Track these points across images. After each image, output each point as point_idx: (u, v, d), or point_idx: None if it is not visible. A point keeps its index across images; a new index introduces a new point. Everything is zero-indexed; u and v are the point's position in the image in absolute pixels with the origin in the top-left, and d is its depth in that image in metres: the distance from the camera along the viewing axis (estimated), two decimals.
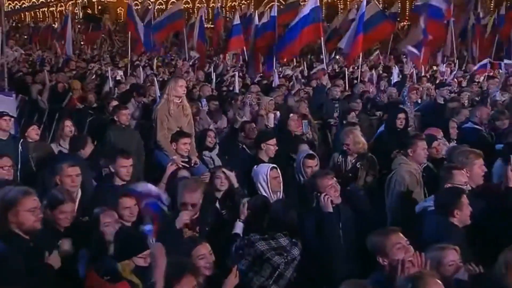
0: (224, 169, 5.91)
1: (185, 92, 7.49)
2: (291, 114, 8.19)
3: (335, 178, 5.19)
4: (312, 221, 4.96)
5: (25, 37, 30.59)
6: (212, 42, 21.79)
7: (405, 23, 29.14)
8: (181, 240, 4.71)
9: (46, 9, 47.89)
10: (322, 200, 4.93)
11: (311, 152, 6.49)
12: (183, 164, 6.86)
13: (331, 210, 4.90)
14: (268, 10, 15.26)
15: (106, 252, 4.18)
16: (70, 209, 4.53)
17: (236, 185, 5.96)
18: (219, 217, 5.40)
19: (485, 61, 14.63)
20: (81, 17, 37.46)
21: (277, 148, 6.69)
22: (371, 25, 13.26)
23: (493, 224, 4.61)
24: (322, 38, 13.33)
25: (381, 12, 13.81)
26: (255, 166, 6.01)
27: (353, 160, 6.68)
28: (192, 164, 7.04)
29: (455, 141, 7.59)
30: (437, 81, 13.41)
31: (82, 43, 24.83)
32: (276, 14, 13.42)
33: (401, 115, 7.93)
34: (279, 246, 4.66)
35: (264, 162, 6.37)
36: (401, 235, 3.81)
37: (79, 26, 26.71)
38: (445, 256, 3.88)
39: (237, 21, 16.50)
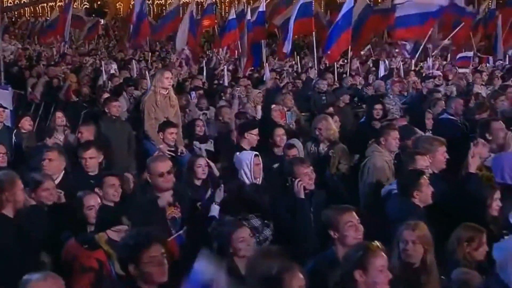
0: (206, 159, 6.21)
1: (171, 83, 7.82)
2: (274, 105, 8.50)
3: (311, 167, 5.49)
4: (286, 204, 5.27)
5: (24, 31, 30.87)
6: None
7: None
8: (165, 218, 5.02)
9: (45, 4, 48.08)
10: (295, 186, 5.23)
11: (290, 142, 6.80)
12: (170, 153, 7.21)
13: (302, 196, 5.21)
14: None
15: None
16: (51, 186, 4.88)
17: (217, 174, 6.27)
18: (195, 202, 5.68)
19: (468, 53, 14.91)
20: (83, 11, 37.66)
21: (259, 137, 7.00)
22: (362, 20, 13.59)
23: (452, 205, 4.93)
24: (313, 33, 13.60)
25: (368, 7, 14.09)
26: (237, 153, 6.30)
27: (325, 148, 6.99)
28: (179, 153, 7.38)
29: (430, 132, 7.90)
30: (424, 75, 13.69)
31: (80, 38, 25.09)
32: (264, 9, 13.70)
33: (378, 106, 8.24)
34: (251, 227, 4.93)
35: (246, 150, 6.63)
36: (355, 214, 4.10)
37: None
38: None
39: (232, 16, 16.81)
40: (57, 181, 5.64)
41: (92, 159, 6.10)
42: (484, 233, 4.16)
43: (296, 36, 14.41)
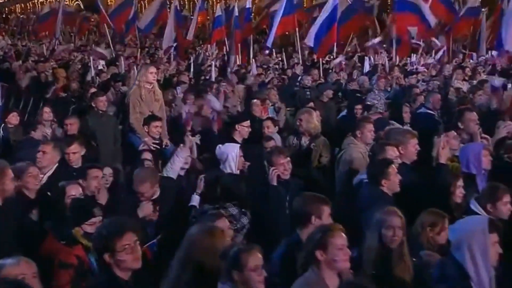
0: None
1: (155, 78, 8.01)
2: (254, 100, 8.72)
3: (288, 158, 5.71)
4: (262, 191, 5.50)
5: (14, 28, 30.93)
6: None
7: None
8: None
9: (36, 0, 48.03)
10: (270, 173, 5.47)
11: (269, 134, 7.01)
12: (155, 145, 7.42)
13: (275, 183, 5.44)
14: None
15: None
16: (36, 172, 5.09)
17: (199, 165, 6.46)
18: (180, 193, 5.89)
19: (443, 48, 15.23)
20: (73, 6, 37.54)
21: (250, 130, 7.20)
22: (346, 17, 13.83)
23: (421, 193, 5.16)
24: (296, 30, 13.82)
25: (353, 4, 14.35)
26: (220, 145, 6.49)
27: (307, 142, 7.20)
28: (163, 146, 7.59)
29: (408, 125, 8.14)
30: (408, 70, 13.95)
31: (70, 33, 25.15)
32: (250, 6, 13.89)
33: (358, 106, 8.56)
34: (229, 215, 5.15)
35: (238, 142, 6.80)
36: (328, 207, 4.31)
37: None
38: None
39: (219, 12, 16.99)
40: (50, 173, 5.88)
41: (75, 154, 6.31)
42: (446, 218, 4.37)
43: (280, 33, 14.58)
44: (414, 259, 4.13)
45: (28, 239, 4.56)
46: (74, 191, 5.02)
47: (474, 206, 4.67)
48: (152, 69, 7.93)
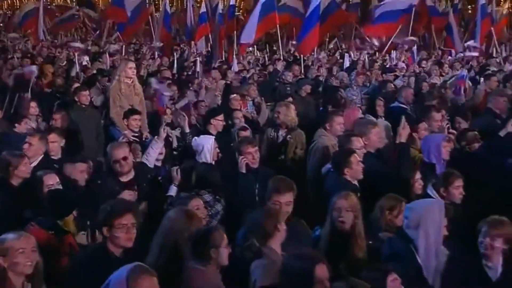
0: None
1: (135, 73, 8.27)
2: (233, 95, 9.00)
3: (256, 148, 6.00)
4: (234, 179, 5.78)
5: (1, 24, 30.90)
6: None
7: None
8: None
9: None
10: (239, 162, 5.77)
11: (244, 125, 7.30)
12: (134, 138, 7.66)
13: (244, 171, 5.74)
14: None
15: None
16: (27, 161, 5.41)
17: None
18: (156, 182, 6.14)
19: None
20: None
21: (224, 123, 7.48)
22: (327, 15, 14.12)
23: (383, 180, 5.48)
24: (278, 26, 14.09)
25: (335, 2, 14.65)
26: (195, 137, 6.77)
27: (284, 134, 7.49)
28: (143, 139, 7.83)
29: (382, 118, 8.45)
30: (387, 66, 14.28)
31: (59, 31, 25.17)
32: (235, 3, 14.12)
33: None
34: (204, 202, 5.44)
35: (212, 135, 7.08)
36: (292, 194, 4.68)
37: (57, 15, 26.99)
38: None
39: (203, 9, 17.22)
40: (35, 163, 6.03)
41: (54, 143, 6.51)
42: (404, 202, 4.65)
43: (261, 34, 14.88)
44: (370, 242, 4.42)
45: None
46: (51, 180, 5.19)
47: (431, 191, 4.98)
48: (131, 65, 8.22)
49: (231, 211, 5.54)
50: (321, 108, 9.69)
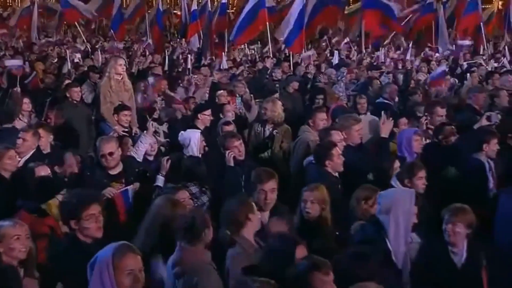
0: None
1: (124, 69, 8.48)
2: (220, 91, 9.22)
3: (241, 140, 6.22)
4: (220, 172, 6.01)
5: None
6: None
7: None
8: None
9: None
10: (226, 156, 5.98)
11: (228, 119, 7.51)
12: (124, 133, 7.85)
13: (232, 164, 5.96)
14: None
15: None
16: (14, 155, 5.57)
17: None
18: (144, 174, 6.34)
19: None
20: None
21: (212, 118, 7.68)
22: (316, 11, 14.33)
23: (363, 172, 5.71)
24: (267, 24, 14.27)
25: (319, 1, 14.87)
26: (182, 131, 6.97)
27: (270, 129, 7.71)
28: (133, 134, 8.02)
29: (364, 114, 8.67)
30: (374, 64, 14.50)
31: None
32: (226, 1, 14.30)
33: (319, 96, 9.06)
34: (190, 193, 5.65)
35: (200, 130, 7.25)
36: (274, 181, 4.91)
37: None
38: None
39: (194, 7, 17.38)
40: (27, 157, 6.23)
41: (42, 139, 6.68)
42: (379, 192, 4.88)
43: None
44: (337, 233, 4.65)
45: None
46: (43, 172, 5.41)
47: (394, 182, 5.20)
48: (121, 61, 8.44)
49: (217, 203, 5.77)
50: (307, 104, 9.90)
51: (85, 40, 18.66)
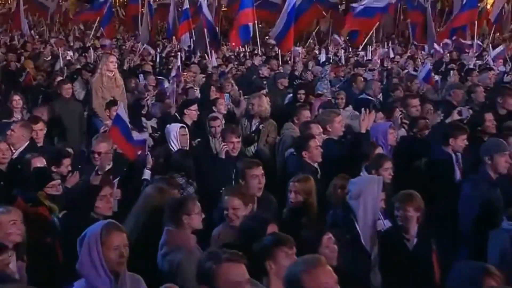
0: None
1: (116, 66, 8.76)
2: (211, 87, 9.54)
3: (239, 139, 6.53)
4: (209, 165, 6.32)
5: None
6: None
7: None
8: None
9: None
10: (220, 147, 6.32)
11: (215, 114, 7.81)
12: None
13: (223, 156, 6.26)
14: None
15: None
16: (5, 147, 5.85)
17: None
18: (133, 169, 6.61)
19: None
20: None
21: (198, 113, 7.97)
22: (301, 12, 14.62)
23: (344, 163, 6.02)
24: (255, 23, 14.53)
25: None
26: (167, 125, 7.23)
27: (257, 123, 8.01)
28: None
29: (341, 109, 8.98)
30: (360, 61, 14.83)
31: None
32: None
33: (301, 91, 9.39)
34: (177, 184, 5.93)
35: (188, 125, 7.58)
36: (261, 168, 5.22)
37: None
38: None
39: (186, 5, 17.59)
40: (21, 149, 6.49)
41: (41, 131, 6.98)
42: None
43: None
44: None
45: None
46: (39, 163, 5.69)
47: (363, 172, 5.51)
48: (112, 58, 8.73)
49: (203, 194, 6.04)
50: (290, 101, 10.17)
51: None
